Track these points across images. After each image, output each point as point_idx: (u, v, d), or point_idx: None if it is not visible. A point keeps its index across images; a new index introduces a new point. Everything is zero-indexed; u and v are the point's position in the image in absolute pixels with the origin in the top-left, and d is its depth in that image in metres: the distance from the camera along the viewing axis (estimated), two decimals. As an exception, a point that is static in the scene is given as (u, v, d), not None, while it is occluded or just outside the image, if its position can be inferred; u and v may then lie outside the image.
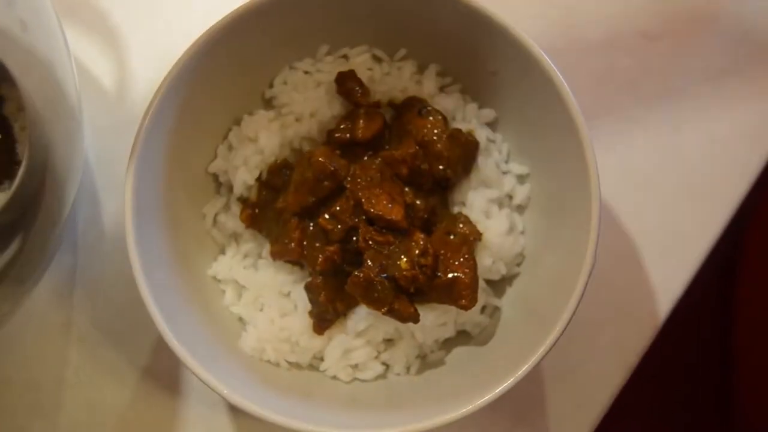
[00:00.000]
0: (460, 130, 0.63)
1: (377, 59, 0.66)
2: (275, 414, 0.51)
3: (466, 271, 0.59)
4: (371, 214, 0.59)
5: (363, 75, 0.64)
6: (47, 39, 0.56)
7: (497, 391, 0.52)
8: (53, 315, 0.67)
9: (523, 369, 0.52)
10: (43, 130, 0.55)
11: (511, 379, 0.52)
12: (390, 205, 0.59)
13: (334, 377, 0.62)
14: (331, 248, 0.59)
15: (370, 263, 0.58)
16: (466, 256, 0.60)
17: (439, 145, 0.61)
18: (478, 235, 0.61)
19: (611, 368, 0.66)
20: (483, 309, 0.63)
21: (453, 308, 0.61)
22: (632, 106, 0.72)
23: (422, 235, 0.59)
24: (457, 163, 0.63)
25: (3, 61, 0.51)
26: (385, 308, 0.58)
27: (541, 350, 0.52)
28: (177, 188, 0.61)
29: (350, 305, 0.61)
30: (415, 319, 0.58)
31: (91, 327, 0.67)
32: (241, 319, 0.64)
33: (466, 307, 0.59)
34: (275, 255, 0.62)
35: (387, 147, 0.63)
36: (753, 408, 0.80)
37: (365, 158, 0.62)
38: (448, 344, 0.64)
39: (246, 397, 0.52)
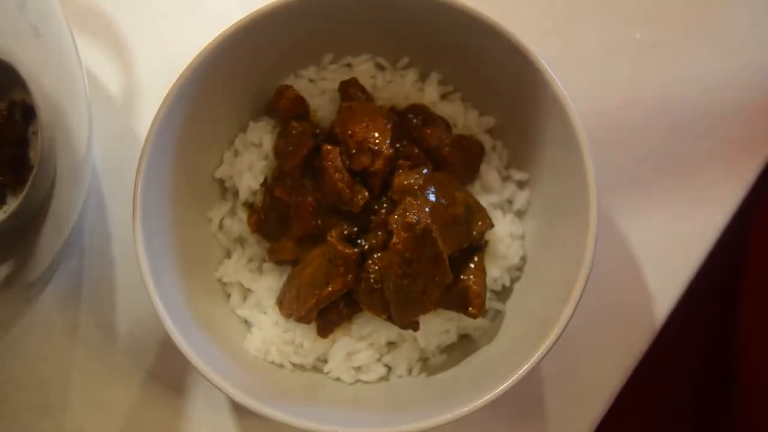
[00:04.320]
0: (464, 136, 0.64)
1: (380, 67, 0.67)
2: (279, 412, 0.52)
3: (477, 280, 0.60)
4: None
5: (366, 83, 0.65)
6: (58, 45, 0.57)
7: (496, 391, 0.53)
8: (60, 317, 0.68)
9: (522, 370, 0.53)
10: (53, 135, 0.55)
11: (510, 381, 0.53)
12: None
13: (338, 379, 0.63)
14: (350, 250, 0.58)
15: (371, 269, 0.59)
16: (477, 263, 0.61)
17: (444, 152, 0.63)
18: (490, 225, 0.62)
19: (610, 370, 0.67)
20: (485, 313, 0.64)
21: (456, 315, 0.62)
22: (629, 111, 0.73)
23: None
24: (461, 169, 0.64)
25: (15, 66, 0.52)
26: (385, 315, 0.59)
27: (540, 352, 0.53)
28: (184, 193, 0.62)
29: (355, 310, 0.61)
30: (415, 327, 0.59)
31: (98, 329, 0.68)
32: (246, 321, 0.65)
33: (474, 316, 0.60)
34: (271, 253, 0.63)
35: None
36: (755, 409, 0.81)
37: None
38: (449, 347, 0.65)
39: (251, 396, 0.53)
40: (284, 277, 0.63)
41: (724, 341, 0.84)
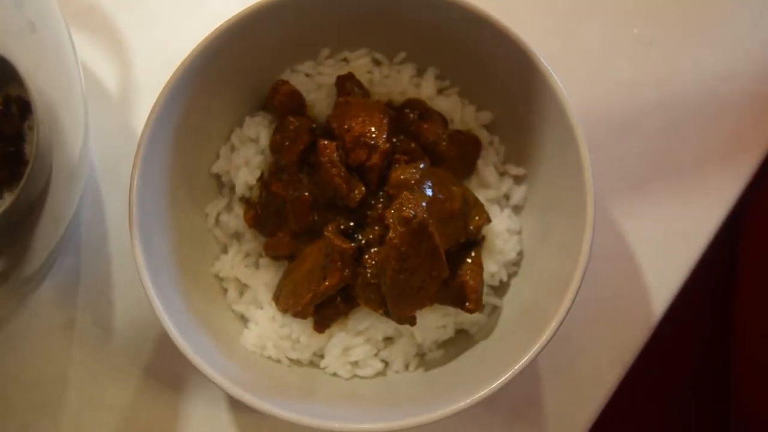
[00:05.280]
0: (461, 131, 0.64)
1: (377, 62, 0.67)
2: (276, 408, 0.52)
3: (474, 275, 0.60)
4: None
5: (363, 78, 0.65)
6: (55, 41, 0.57)
7: (493, 387, 0.53)
8: (57, 314, 0.68)
9: (519, 365, 0.53)
10: (49, 130, 0.56)
11: (507, 376, 0.53)
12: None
13: (334, 374, 0.62)
14: (347, 245, 0.58)
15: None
16: (474, 260, 0.61)
17: (441, 147, 0.63)
18: (487, 220, 0.62)
19: (607, 366, 0.67)
20: (482, 308, 0.64)
21: (453, 310, 0.62)
22: (627, 109, 0.73)
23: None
24: (458, 164, 0.64)
25: (12, 61, 0.52)
26: (382, 310, 0.59)
27: (536, 347, 0.53)
28: (180, 189, 0.62)
29: (352, 305, 0.61)
30: (412, 322, 0.59)
31: (94, 326, 0.68)
32: (242, 316, 0.64)
33: (471, 311, 0.60)
34: (267, 248, 0.63)
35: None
36: (752, 400, 0.81)
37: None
38: (446, 342, 0.64)
39: (248, 392, 0.53)
40: (281, 273, 0.63)
41: (722, 335, 0.84)
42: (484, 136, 0.66)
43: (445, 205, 0.58)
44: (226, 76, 0.61)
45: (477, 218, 0.60)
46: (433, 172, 0.60)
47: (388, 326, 0.62)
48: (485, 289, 0.63)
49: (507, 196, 0.65)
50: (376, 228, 0.59)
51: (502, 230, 0.63)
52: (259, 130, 0.64)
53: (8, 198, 0.54)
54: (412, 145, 0.61)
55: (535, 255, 0.63)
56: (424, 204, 0.56)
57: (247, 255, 0.65)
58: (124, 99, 0.73)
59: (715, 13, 0.76)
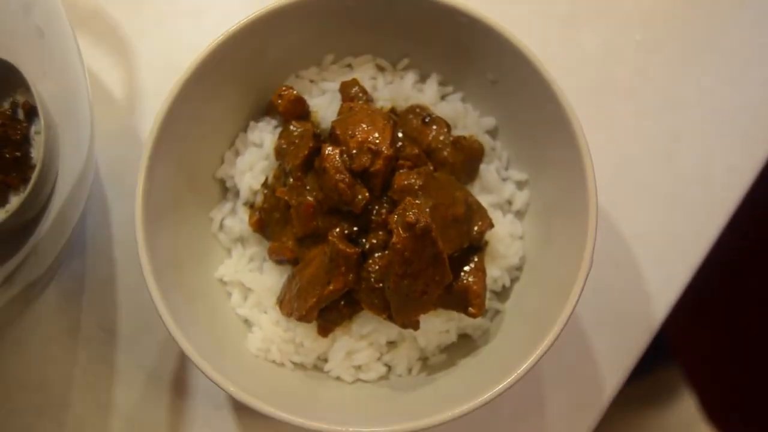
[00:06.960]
0: (464, 137, 0.64)
1: (381, 68, 0.68)
2: (280, 411, 0.53)
3: (477, 280, 0.60)
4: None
5: (366, 84, 0.66)
6: (62, 47, 0.58)
7: (495, 390, 0.53)
8: (62, 317, 0.68)
9: (521, 369, 0.53)
10: (56, 135, 0.56)
11: (509, 380, 0.53)
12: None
13: (338, 378, 0.63)
14: (351, 250, 0.58)
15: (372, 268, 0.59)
16: (477, 262, 0.61)
17: (444, 153, 0.63)
18: (490, 225, 0.62)
19: (609, 370, 0.67)
20: (485, 313, 0.64)
21: (456, 315, 0.62)
22: (629, 115, 0.74)
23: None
24: (461, 170, 0.64)
25: (19, 67, 0.53)
26: (385, 315, 0.59)
27: (539, 352, 0.53)
28: (185, 193, 0.63)
29: (356, 309, 0.62)
30: (415, 327, 0.59)
31: (99, 329, 0.68)
32: (246, 320, 0.65)
33: (474, 315, 0.60)
34: (271, 253, 0.64)
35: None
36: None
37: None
38: (449, 347, 0.65)
39: (252, 395, 0.53)
40: (285, 277, 0.63)
41: (729, 339, 0.84)
42: (486, 141, 0.66)
43: (449, 210, 0.58)
44: (231, 81, 0.62)
45: (480, 223, 0.61)
46: (437, 178, 0.60)
47: (391, 330, 0.62)
48: (488, 294, 0.63)
49: (510, 201, 0.66)
50: (380, 233, 0.59)
51: (505, 235, 0.64)
52: (263, 136, 0.65)
53: (15, 202, 0.55)
54: (416, 150, 0.62)
55: (537, 260, 0.64)
56: (427, 209, 0.56)
57: (251, 259, 0.65)
58: (130, 104, 0.74)
59: (716, 18, 0.77)
